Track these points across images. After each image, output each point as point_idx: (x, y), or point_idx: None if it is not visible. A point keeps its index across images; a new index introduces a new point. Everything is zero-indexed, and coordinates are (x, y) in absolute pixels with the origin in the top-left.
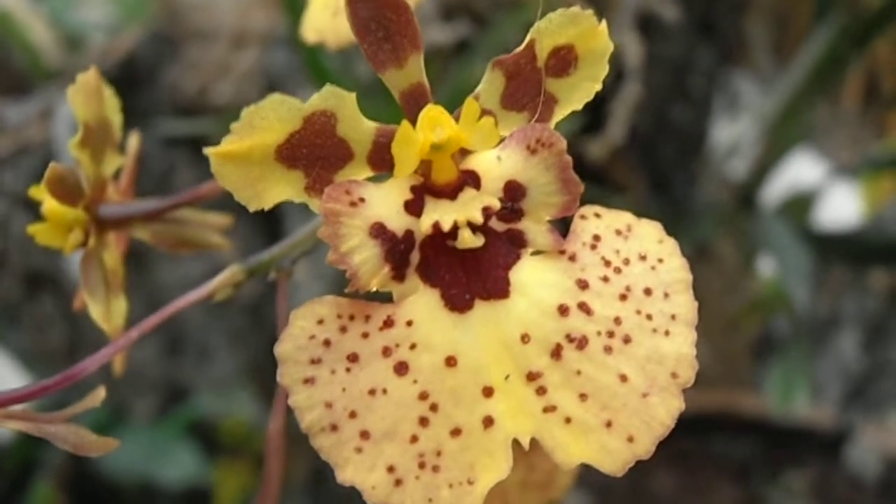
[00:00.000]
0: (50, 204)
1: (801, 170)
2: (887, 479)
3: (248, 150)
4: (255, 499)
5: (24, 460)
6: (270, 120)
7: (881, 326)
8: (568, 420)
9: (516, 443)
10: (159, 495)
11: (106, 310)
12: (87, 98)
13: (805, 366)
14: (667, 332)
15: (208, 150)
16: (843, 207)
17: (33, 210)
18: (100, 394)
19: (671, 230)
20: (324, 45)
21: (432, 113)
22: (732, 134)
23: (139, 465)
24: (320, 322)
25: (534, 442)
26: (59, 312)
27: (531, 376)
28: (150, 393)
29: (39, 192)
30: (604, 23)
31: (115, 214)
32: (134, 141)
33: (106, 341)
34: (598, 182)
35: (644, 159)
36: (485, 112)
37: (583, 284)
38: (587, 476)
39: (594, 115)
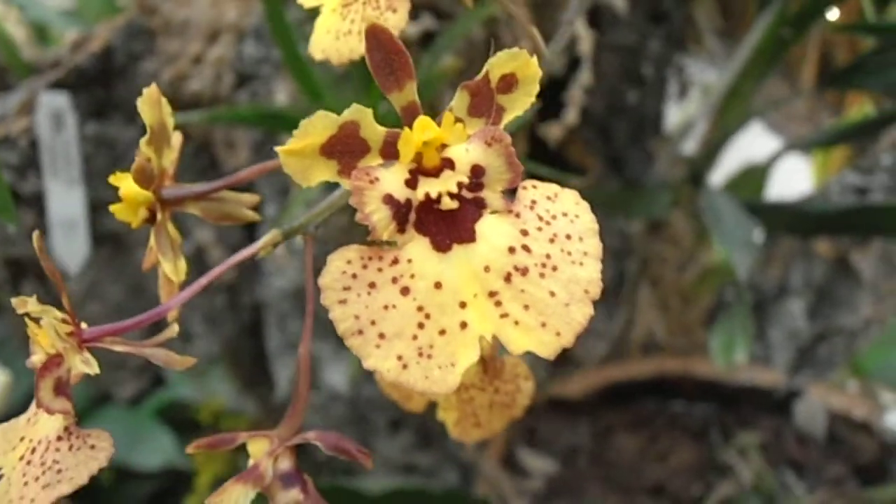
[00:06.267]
0: (127, 188)
1: (755, 145)
2: (833, 434)
3: (303, 148)
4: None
5: None
6: (318, 128)
7: (827, 293)
8: (517, 323)
9: (484, 344)
10: (138, 480)
11: (174, 267)
12: (151, 106)
13: (745, 325)
14: (581, 264)
15: (279, 149)
16: (796, 181)
17: (17, 200)
18: (174, 328)
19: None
20: (328, 61)
21: (423, 122)
22: (685, 115)
23: (117, 451)
24: (349, 262)
25: (499, 361)
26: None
27: (491, 294)
28: (132, 378)
29: (118, 179)
30: (535, 57)
31: (174, 195)
32: (177, 138)
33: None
34: (558, 164)
35: (600, 141)
36: (457, 119)
37: (524, 233)
38: (553, 443)
39: (552, 102)
